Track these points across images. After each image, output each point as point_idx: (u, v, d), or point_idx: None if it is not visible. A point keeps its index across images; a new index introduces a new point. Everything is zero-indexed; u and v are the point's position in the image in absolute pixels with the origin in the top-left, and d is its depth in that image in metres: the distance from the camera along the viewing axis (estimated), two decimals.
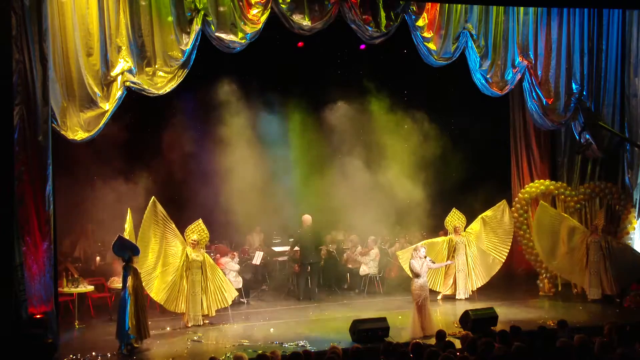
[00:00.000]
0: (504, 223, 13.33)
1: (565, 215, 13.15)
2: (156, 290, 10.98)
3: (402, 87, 15.05)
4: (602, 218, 13.05)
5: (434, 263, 11.24)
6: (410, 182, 13.90)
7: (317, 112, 14.50)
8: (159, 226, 11.05)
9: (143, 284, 10.45)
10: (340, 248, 14.77)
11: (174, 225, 11.22)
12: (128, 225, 10.25)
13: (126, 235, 10.06)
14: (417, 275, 10.34)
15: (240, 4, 11.20)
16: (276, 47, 13.37)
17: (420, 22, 12.28)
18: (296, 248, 13.52)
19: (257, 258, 13.32)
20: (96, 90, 10.47)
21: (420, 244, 11.36)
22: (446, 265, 12.88)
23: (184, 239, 11.33)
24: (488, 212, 13.41)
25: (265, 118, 14.25)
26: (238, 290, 12.17)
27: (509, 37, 12.94)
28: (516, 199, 13.83)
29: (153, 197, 11.05)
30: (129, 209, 10.53)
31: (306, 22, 11.61)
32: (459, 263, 13.05)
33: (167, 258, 11.11)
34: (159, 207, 11.01)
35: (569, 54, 13.23)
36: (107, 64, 10.56)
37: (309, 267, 13.22)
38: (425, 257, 10.45)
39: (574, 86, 13.28)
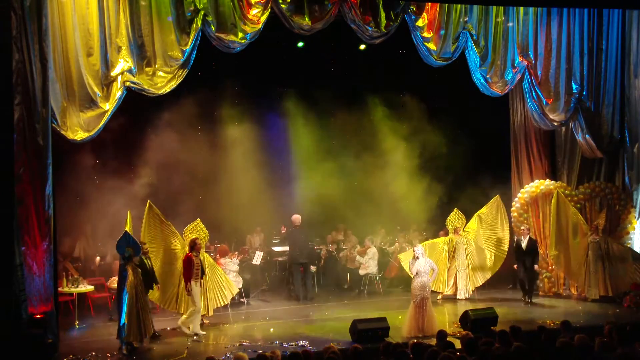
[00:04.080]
0: (499, 218, 13.36)
1: (574, 210, 13.14)
2: (156, 290, 10.99)
3: (402, 87, 15.05)
4: (604, 219, 13.06)
5: (436, 267, 11.13)
6: (410, 182, 13.92)
7: (317, 113, 14.50)
8: (157, 228, 11.06)
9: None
10: (340, 248, 14.78)
11: (173, 227, 11.23)
12: (127, 228, 10.22)
13: None
14: (415, 274, 10.37)
15: (240, 4, 11.20)
16: (276, 48, 13.37)
17: (420, 22, 12.28)
18: (286, 248, 13.56)
19: (257, 258, 13.32)
20: (96, 90, 10.47)
21: (420, 245, 11.37)
22: (445, 266, 12.97)
23: (183, 239, 11.34)
24: (483, 209, 13.45)
25: (265, 119, 14.25)
26: (238, 290, 12.19)
27: (509, 37, 12.95)
28: (516, 199, 13.83)
29: (149, 200, 11.06)
30: (129, 211, 10.53)
31: (306, 22, 11.61)
32: (459, 263, 13.08)
33: (167, 258, 11.11)
34: (155, 209, 11.02)
35: (569, 54, 13.24)
36: (107, 64, 10.56)
37: (302, 267, 13.25)
38: (416, 257, 10.42)
39: (574, 86, 13.28)
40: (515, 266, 12.90)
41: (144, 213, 10.96)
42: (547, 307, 12.54)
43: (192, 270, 10.57)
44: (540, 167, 14.56)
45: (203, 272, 10.87)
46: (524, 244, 12.76)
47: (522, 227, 13.07)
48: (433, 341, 8.40)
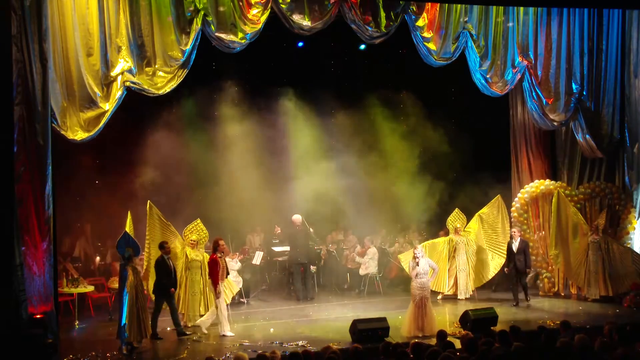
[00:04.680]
0: (500, 218, 13.36)
1: (574, 209, 13.14)
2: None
3: (402, 87, 15.04)
4: (604, 219, 13.05)
5: (436, 266, 11.20)
6: (411, 181, 13.91)
7: (317, 112, 14.48)
8: (157, 228, 11.05)
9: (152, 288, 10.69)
10: (340, 248, 14.77)
11: (172, 227, 11.22)
12: (128, 228, 10.21)
13: None
14: (415, 275, 10.39)
15: (240, 4, 11.20)
16: (276, 48, 13.37)
17: (420, 22, 12.29)
18: (286, 248, 13.55)
19: (257, 258, 13.32)
20: (96, 90, 10.47)
21: (420, 246, 11.38)
22: (446, 266, 12.99)
23: (182, 239, 11.34)
24: (484, 209, 13.46)
25: (265, 118, 14.24)
26: (238, 290, 12.19)
27: (509, 37, 12.95)
28: (516, 199, 13.83)
29: (149, 201, 11.05)
30: (129, 211, 10.53)
31: (306, 22, 11.62)
32: (459, 263, 13.08)
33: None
34: (155, 209, 11.02)
35: (569, 54, 13.24)
36: (107, 64, 10.56)
37: (302, 268, 13.25)
38: (415, 258, 10.43)
39: (574, 86, 13.28)
40: (507, 269, 12.63)
41: (147, 214, 10.95)
42: (547, 307, 12.53)
43: (218, 271, 10.49)
44: (540, 167, 14.55)
45: (227, 273, 10.82)
46: (515, 246, 12.48)
47: (514, 230, 12.77)
48: (433, 341, 8.40)
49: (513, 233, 12.73)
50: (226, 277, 10.74)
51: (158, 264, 10.37)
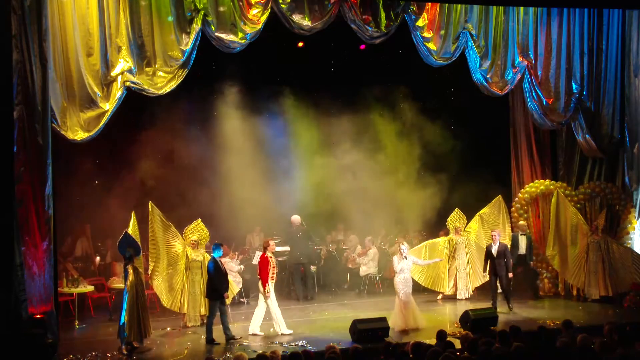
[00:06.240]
0: (501, 219, 13.35)
1: (574, 209, 13.13)
2: (162, 291, 11.00)
3: (402, 87, 15.03)
4: (603, 219, 13.04)
5: (420, 260, 11.70)
6: (410, 182, 13.91)
7: (317, 112, 14.49)
8: (160, 229, 11.05)
9: (157, 289, 10.81)
10: (340, 248, 14.78)
11: (173, 228, 11.22)
12: (132, 229, 10.20)
13: None
14: (399, 271, 10.61)
15: (240, 4, 11.21)
16: (276, 47, 13.37)
17: (420, 22, 12.29)
18: (286, 248, 13.55)
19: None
20: (96, 90, 10.47)
21: (421, 245, 11.44)
22: (446, 266, 12.97)
23: (183, 239, 11.34)
24: (485, 209, 13.46)
25: (265, 118, 14.24)
26: (238, 290, 12.20)
27: (509, 37, 12.95)
28: (516, 199, 13.83)
29: (150, 202, 11.05)
30: (133, 212, 10.52)
31: (306, 22, 11.62)
32: (459, 263, 13.08)
33: (170, 259, 11.11)
34: (157, 210, 11.02)
35: (569, 54, 13.24)
36: (107, 64, 10.56)
37: (302, 268, 13.25)
38: (404, 256, 10.71)
39: (574, 86, 13.28)
40: (485, 274, 12.28)
41: (148, 214, 10.95)
42: (547, 307, 12.54)
43: (268, 270, 10.44)
44: (540, 167, 14.55)
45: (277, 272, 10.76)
46: (494, 249, 11.86)
47: (494, 233, 12.23)
48: (434, 341, 8.39)
49: (493, 236, 12.13)
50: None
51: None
